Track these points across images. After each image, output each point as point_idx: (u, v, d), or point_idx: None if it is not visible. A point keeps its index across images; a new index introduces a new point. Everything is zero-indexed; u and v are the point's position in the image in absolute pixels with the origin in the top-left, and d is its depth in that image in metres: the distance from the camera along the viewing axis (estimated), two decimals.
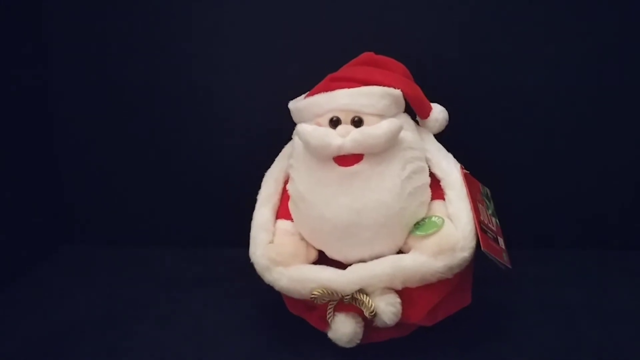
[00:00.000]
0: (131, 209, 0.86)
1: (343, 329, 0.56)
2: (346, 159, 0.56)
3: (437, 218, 0.58)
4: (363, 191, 0.56)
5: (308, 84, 0.66)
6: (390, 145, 0.56)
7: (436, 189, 0.61)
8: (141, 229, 0.87)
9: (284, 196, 0.64)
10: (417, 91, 0.63)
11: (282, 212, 0.63)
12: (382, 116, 0.58)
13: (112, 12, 0.80)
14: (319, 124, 0.59)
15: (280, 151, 0.68)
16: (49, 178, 0.86)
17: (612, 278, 0.72)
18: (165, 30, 0.80)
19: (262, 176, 0.67)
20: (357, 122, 0.58)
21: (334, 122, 0.58)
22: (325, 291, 0.55)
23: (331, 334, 0.57)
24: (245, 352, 0.60)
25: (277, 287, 0.59)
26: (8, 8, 0.77)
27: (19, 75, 0.79)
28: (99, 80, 0.82)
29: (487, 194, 0.65)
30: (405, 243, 0.58)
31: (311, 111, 0.60)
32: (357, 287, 0.55)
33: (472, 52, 0.76)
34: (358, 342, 0.57)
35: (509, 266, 0.59)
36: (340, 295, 0.55)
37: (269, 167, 0.67)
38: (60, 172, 0.86)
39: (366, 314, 0.55)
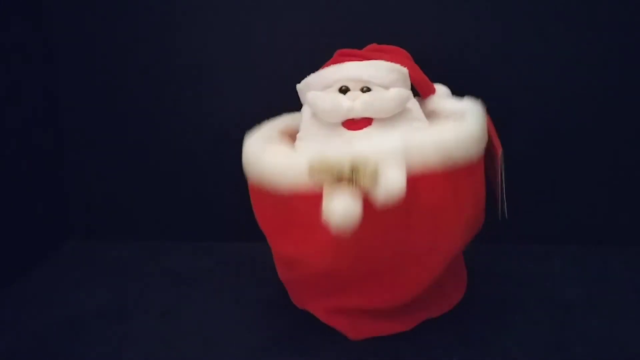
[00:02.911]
0: (135, 204, 0.87)
1: (341, 204, 0.50)
2: (355, 123, 0.56)
3: None
4: None
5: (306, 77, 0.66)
6: (398, 111, 0.57)
7: None
8: (145, 225, 0.87)
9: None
10: (420, 73, 0.64)
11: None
12: (389, 88, 0.58)
13: (113, 13, 0.81)
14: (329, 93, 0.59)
15: None
16: (53, 174, 0.86)
17: (613, 274, 0.72)
18: (165, 30, 0.80)
19: None
20: (366, 92, 0.58)
21: (343, 91, 0.59)
22: (322, 163, 0.51)
23: (326, 211, 0.50)
24: (251, 347, 0.60)
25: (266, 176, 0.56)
26: (12, 9, 0.77)
27: (22, 75, 0.79)
28: (102, 79, 0.83)
29: None
30: None
31: (321, 82, 0.60)
32: (356, 156, 0.51)
33: (474, 51, 0.76)
34: (355, 220, 0.50)
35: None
36: (340, 170, 0.50)
37: None
38: (64, 168, 0.87)
39: (365, 181, 0.50)
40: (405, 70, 0.60)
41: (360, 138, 0.56)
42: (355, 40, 0.69)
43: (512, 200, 0.62)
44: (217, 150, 0.83)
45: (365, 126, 0.56)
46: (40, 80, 0.83)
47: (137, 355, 0.59)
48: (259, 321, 0.65)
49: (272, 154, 0.56)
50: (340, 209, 0.49)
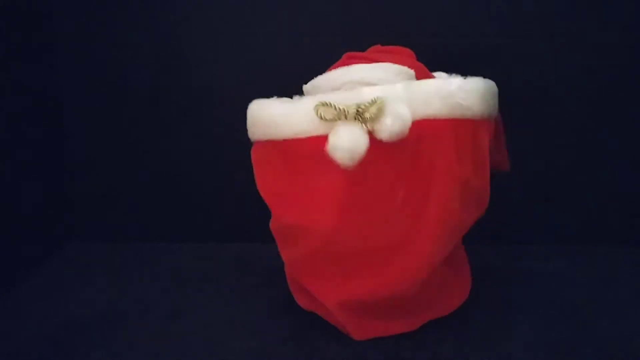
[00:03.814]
0: (137, 205, 0.87)
1: (344, 133, 0.52)
2: None
3: None
4: None
5: (311, 79, 0.65)
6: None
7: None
8: (147, 225, 0.87)
9: None
10: (427, 72, 0.63)
11: None
12: None
13: (115, 12, 0.80)
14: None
15: None
16: (54, 174, 0.86)
17: (618, 273, 0.72)
18: (165, 31, 0.80)
19: None
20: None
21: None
22: (330, 103, 0.53)
23: (332, 143, 0.52)
24: (255, 349, 0.60)
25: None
26: (15, 9, 0.77)
27: (24, 74, 0.79)
28: (104, 79, 0.83)
29: None
30: None
31: (328, 85, 0.60)
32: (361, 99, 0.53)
33: (478, 49, 0.76)
34: (361, 150, 0.52)
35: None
36: (346, 107, 0.52)
37: None
38: (66, 169, 0.87)
39: (371, 115, 0.52)
40: (412, 72, 0.60)
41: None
42: (358, 41, 0.68)
43: (514, 201, 0.62)
44: (220, 150, 0.83)
45: None
46: (42, 81, 0.83)
47: (140, 357, 0.59)
48: (264, 322, 0.65)
49: (277, 103, 0.59)
50: (346, 138, 0.51)
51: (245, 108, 0.80)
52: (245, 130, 0.81)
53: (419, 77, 0.61)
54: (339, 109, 0.52)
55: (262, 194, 0.61)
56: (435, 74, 0.65)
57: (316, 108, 0.53)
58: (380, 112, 0.51)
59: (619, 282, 0.70)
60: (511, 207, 0.66)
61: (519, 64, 0.76)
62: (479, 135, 0.57)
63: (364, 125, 0.52)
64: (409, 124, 0.52)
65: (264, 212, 0.64)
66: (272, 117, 0.58)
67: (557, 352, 0.57)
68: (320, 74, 0.65)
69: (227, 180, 0.83)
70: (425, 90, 0.55)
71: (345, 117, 0.52)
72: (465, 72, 0.75)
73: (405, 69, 0.59)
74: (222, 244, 0.84)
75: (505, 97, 0.76)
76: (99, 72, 0.83)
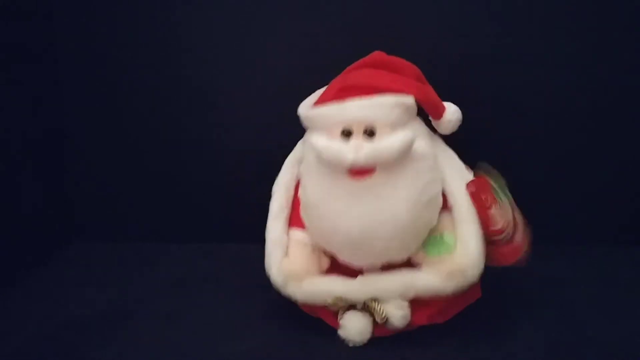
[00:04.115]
0: (137, 205, 0.87)
1: (353, 325, 0.59)
2: (359, 172, 0.56)
3: (448, 237, 0.59)
4: (376, 203, 0.56)
5: (314, 82, 0.66)
6: (403, 158, 0.56)
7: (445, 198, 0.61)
8: (149, 226, 0.87)
9: (296, 203, 0.64)
10: (429, 94, 0.62)
11: (295, 220, 0.64)
12: (394, 126, 0.57)
13: (115, 14, 0.81)
14: (331, 134, 0.58)
15: (283, 147, 0.68)
16: (57, 175, 0.86)
17: (622, 274, 0.72)
18: (166, 31, 0.80)
19: (268, 171, 0.66)
20: (369, 134, 0.57)
21: (346, 134, 0.57)
22: (337, 300, 0.58)
23: (342, 332, 0.59)
24: (255, 349, 0.60)
25: (293, 300, 0.62)
26: (16, 9, 0.77)
27: (24, 76, 0.79)
28: (106, 80, 0.83)
29: (501, 186, 0.63)
30: (416, 254, 0.59)
31: (322, 121, 0.59)
32: (368, 297, 0.58)
33: (481, 50, 0.76)
34: (368, 338, 0.59)
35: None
36: (352, 303, 0.59)
37: (274, 162, 0.67)
38: (68, 169, 0.87)
39: (378, 319, 0.58)
40: (410, 100, 0.59)
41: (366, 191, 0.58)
42: (359, 42, 0.68)
43: (520, 201, 0.61)
44: (221, 151, 0.83)
45: (369, 174, 0.56)
46: (43, 81, 0.83)
47: (141, 357, 0.59)
48: (263, 323, 0.65)
49: (298, 285, 0.61)
50: (355, 329, 0.59)
51: (246, 109, 0.80)
52: (246, 131, 0.81)
53: (419, 98, 0.60)
54: (347, 304, 0.59)
55: None
56: (446, 104, 0.63)
57: (326, 305, 0.59)
58: (382, 316, 0.58)
59: (620, 283, 0.70)
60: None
61: (519, 65, 0.76)
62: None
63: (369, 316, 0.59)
64: (408, 318, 0.59)
65: (264, 213, 0.64)
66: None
67: (558, 352, 0.57)
68: (321, 75, 0.66)
69: (227, 181, 0.83)
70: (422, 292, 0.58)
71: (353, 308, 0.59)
72: (466, 75, 0.75)
73: (401, 100, 0.58)
74: (223, 245, 0.84)
75: (506, 98, 0.77)
76: (100, 72, 0.83)
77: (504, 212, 0.60)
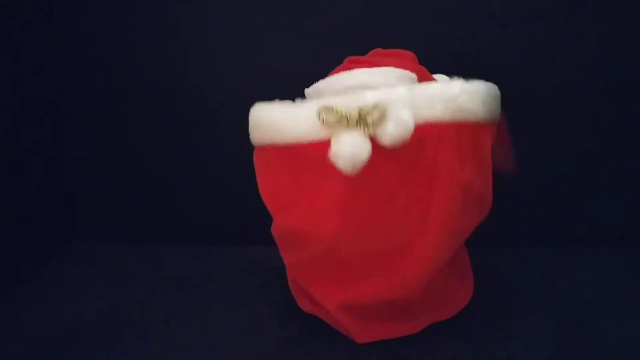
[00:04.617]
0: (138, 207, 0.87)
1: (347, 140, 0.52)
2: None
3: None
4: None
5: (312, 81, 0.65)
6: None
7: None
8: (149, 228, 0.87)
9: None
10: (428, 75, 0.63)
11: None
12: None
13: (116, 15, 0.80)
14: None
15: None
16: (57, 176, 0.86)
17: (621, 275, 0.72)
18: (166, 32, 0.80)
19: None
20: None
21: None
22: (332, 108, 0.53)
23: (334, 150, 0.53)
24: (256, 351, 0.60)
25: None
26: (16, 9, 0.77)
27: (25, 76, 0.79)
28: (106, 81, 0.83)
29: None
30: None
31: (330, 89, 0.60)
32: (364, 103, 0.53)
33: (478, 50, 0.76)
34: (363, 158, 0.52)
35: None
36: (348, 112, 0.53)
37: None
38: (68, 171, 0.87)
39: (373, 120, 0.52)
40: (413, 75, 0.59)
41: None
42: (359, 44, 0.68)
43: (516, 203, 0.62)
44: (222, 153, 0.83)
45: None
46: (43, 82, 0.83)
47: (142, 359, 0.59)
48: (265, 325, 0.64)
49: (279, 107, 0.59)
50: (348, 145, 0.51)
51: (247, 110, 0.79)
52: (247, 132, 0.81)
53: (420, 80, 0.61)
54: (341, 113, 0.53)
55: (263, 198, 0.61)
56: (436, 76, 0.65)
57: (318, 112, 0.53)
58: (382, 117, 0.52)
59: (621, 284, 0.70)
60: (513, 210, 0.66)
61: (519, 66, 0.76)
62: (481, 139, 0.57)
63: (366, 130, 0.52)
64: (411, 129, 0.52)
65: (266, 215, 0.64)
66: (274, 121, 0.58)
67: (560, 355, 0.57)
68: (322, 76, 0.65)
69: (228, 182, 0.83)
70: (428, 94, 0.55)
71: (347, 122, 0.53)
72: (466, 74, 0.75)
73: (406, 72, 0.59)
74: (224, 247, 0.83)
75: (506, 99, 0.77)
76: (101, 73, 0.83)
77: None
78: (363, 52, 0.67)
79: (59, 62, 0.83)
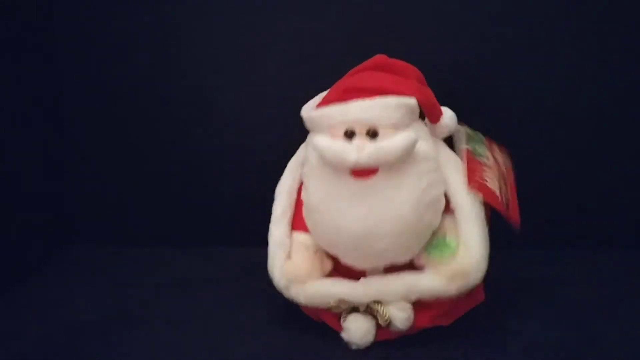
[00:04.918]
0: (139, 208, 0.86)
1: (356, 328, 0.59)
2: (362, 172, 0.56)
3: (450, 239, 0.59)
4: (379, 203, 0.56)
5: (317, 85, 0.65)
6: (406, 158, 0.56)
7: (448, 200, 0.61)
8: (150, 229, 0.87)
9: (298, 206, 0.64)
10: (430, 97, 0.62)
11: (298, 222, 0.64)
12: (397, 127, 0.57)
13: (115, 17, 0.80)
14: (333, 135, 0.58)
15: (286, 150, 0.67)
16: (56, 177, 0.86)
17: (624, 277, 0.72)
18: (167, 33, 0.80)
19: (270, 175, 0.66)
20: (372, 135, 0.56)
21: (349, 135, 0.57)
22: (340, 302, 0.58)
23: (345, 335, 0.59)
24: (257, 353, 0.60)
25: (296, 302, 0.62)
26: (15, 8, 0.77)
27: (24, 77, 0.79)
28: (105, 82, 0.82)
29: (478, 145, 0.66)
30: (418, 256, 0.59)
31: (325, 122, 0.59)
32: (371, 300, 0.58)
33: (482, 53, 0.76)
34: (371, 341, 0.59)
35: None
36: (355, 305, 0.59)
37: (277, 166, 0.67)
38: (67, 172, 0.86)
39: (381, 322, 0.58)
40: (413, 102, 0.58)
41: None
42: (361, 45, 0.68)
43: (521, 204, 0.62)
44: (222, 154, 0.82)
45: (372, 174, 0.56)
46: (43, 83, 0.82)
47: None
48: (267, 327, 0.64)
49: (301, 287, 0.61)
50: (358, 332, 0.59)
51: (248, 112, 0.80)
52: (248, 133, 0.81)
53: (420, 100, 0.60)
54: (350, 306, 0.59)
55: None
56: (443, 109, 0.63)
57: (328, 308, 0.59)
58: (386, 319, 0.58)
59: (622, 286, 0.70)
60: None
61: (519, 69, 0.76)
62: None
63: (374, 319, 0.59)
64: (411, 320, 0.59)
65: (267, 217, 0.64)
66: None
67: (561, 355, 0.57)
68: (323, 77, 0.65)
69: (229, 183, 0.82)
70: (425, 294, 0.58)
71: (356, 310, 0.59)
72: (466, 76, 0.76)
73: (404, 101, 0.58)
74: (225, 248, 0.83)
75: (506, 101, 0.77)
76: (101, 73, 0.82)
77: (495, 182, 0.62)
78: (364, 53, 0.66)
79: (59, 63, 0.83)
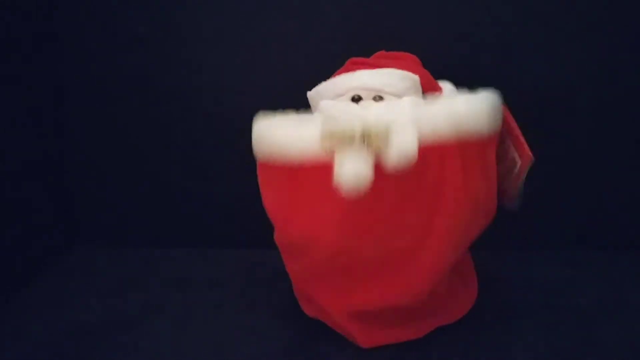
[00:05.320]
0: (141, 210, 0.86)
1: (350, 164, 0.51)
2: None
3: None
4: None
5: (316, 84, 0.65)
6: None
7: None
8: (151, 231, 0.87)
9: None
10: (429, 77, 0.63)
11: None
12: (402, 95, 0.58)
13: (116, 15, 0.80)
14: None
15: None
16: (58, 179, 0.86)
17: (624, 279, 0.72)
18: (169, 34, 0.80)
19: None
20: (378, 101, 0.57)
21: (356, 100, 0.58)
22: (335, 128, 0.52)
23: (337, 174, 0.52)
24: (261, 355, 0.60)
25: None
26: (16, 7, 0.76)
27: (27, 77, 0.79)
28: (107, 83, 0.82)
29: None
30: None
31: (333, 90, 0.60)
32: (368, 122, 0.52)
33: (478, 53, 0.76)
34: (366, 182, 0.51)
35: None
36: (351, 133, 0.51)
37: None
38: (70, 174, 0.86)
39: (376, 143, 0.51)
40: (416, 77, 0.59)
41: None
42: (362, 46, 0.68)
43: (522, 205, 0.62)
44: (225, 155, 0.82)
45: None
46: (44, 85, 0.82)
47: None
48: (269, 329, 0.64)
49: (283, 124, 0.58)
50: (351, 170, 0.50)
51: (251, 113, 0.79)
52: (248, 135, 0.81)
53: (423, 83, 0.61)
54: (345, 137, 0.51)
55: (266, 209, 0.61)
56: (440, 82, 0.64)
57: (322, 136, 0.52)
58: (386, 140, 0.51)
59: (624, 288, 0.70)
60: (515, 214, 0.65)
61: (521, 66, 0.76)
62: (486, 152, 0.57)
63: (369, 151, 0.51)
64: (415, 156, 0.51)
65: (269, 219, 0.64)
66: (276, 140, 0.57)
67: (561, 357, 0.58)
68: (324, 77, 0.65)
69: (231, 185, 0.82)
70: (433, 114, 0.53)
71: (350, 142, 0.51)
72: (468, 75, 0.75)
73: (409, 74, 0.59)
74: (228, 250, 0.83)
75: (508, 101, 0.76)
76: (104, 77, 0.82)
77: None
78: (366, 54, 0.67)
79: (60, 63, 0.82)
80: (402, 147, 0.50)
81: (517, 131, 0.62)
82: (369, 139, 0.51)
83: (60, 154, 0.85)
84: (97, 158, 0.85)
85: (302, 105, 0.65)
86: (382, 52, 0.66)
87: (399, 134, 0.51)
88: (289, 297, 0.66)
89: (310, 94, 0.63)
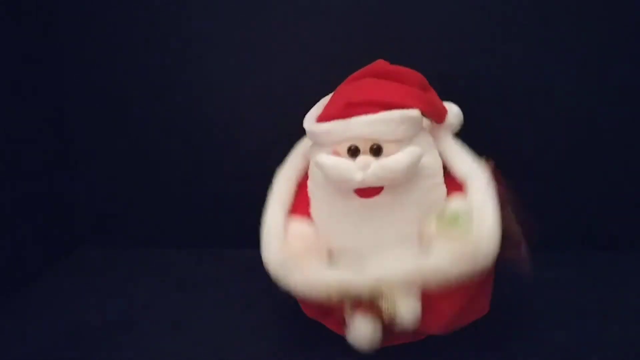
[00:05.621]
0: (142, 210, 0.86)
1: (363, 330, 0.56)
2: (367, 191, 0.55)
3: (461, 209, 0.56)
4: (384, 222, 0.56)
5: (316, 86, 0.65)
6: (411, 176, 0.55)
7: (452, 184, 0.59)
8: (152, 232, 0.87)
9: (300, 191, 0.63)
10: (434, 102, 0.61)
11: (298, 207, 0.62)
12: (400, 141, 0.56)
13: (117, 17, 0.80)
14: (337, 152, 0.57)
15: (287, 152, 0.67)
16: (60, 180, 0.86)
17: (626, 280, 0.72)
18: (169, 35, 0.80)
19: (271, 176, 0.65)
20: (376, 150, 0.56)
21: (353, 151, 0.56)
22: (341, 290, 0.55)
23: (350, 336, 0.57)
24: (261, 355, 0.60)
25: (293, 292, 0.59)
26: (18, 10, 0.76)
27: (28, 80, 0.79)
28: (109, 85, 0.82)
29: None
30: (428, 225, 0.57)
31: (328, 138, 0.58)
32: (374, 283, 0.54)
33: (478, 56, 0.76)
34: (377, 344, 0.57)
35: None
36: (357, 295, 0.55)
37: (277, 166, 0.66)
38: (72, 175, 0.86)
39: (385, 317, 0.56)
40: (416, 114, 0.57)
41: (374, 262, 0.57)
42: (362, 46, 0.68)
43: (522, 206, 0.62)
44: (225, 156, 0.82)
45: (377, 193, 0.55)
46: (46, 86, 0.82)
47: None
48: (269, 329, 0.65)
49: (298, 272, 0.57)
50: (363, 334, 0.56)
51: (251, 114, 0.80)
52: (250, 135, 0.81)
53: (426, 109, 0.59)
54: (352, 298, 0.55)
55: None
56: (446, 104, 0.63)
57: (331, 295, 0.55)
58: (392, 309, 0.55)
59: (627, 289, 0.70)
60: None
61: (520, 70, 0.76)
62: (484, 283, 0.59)
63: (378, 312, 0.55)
64: (418, 319, 0.55)
65: None
66: (294, 284, 0.58)
67: (561, 358, 0.58)
68: (324, 79, 0.65)
69: (232, 185, 0.82)
70: (434, 268, 0.54)
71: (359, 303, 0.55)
72: (468, 78, 0.75)
73: (408, 114, 0.56)
74: (228, 250, 0.83)
75: (507, 102, 0.77)
76: (106, 79, 0.82)
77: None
78: (366, 56, 0.65)
79: (61, 65, 0.83)
80: (405, 318, 0.55)
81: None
82: (375, 303, 0.55)
83: (60, 154, 0.85)
84: (97, 158, 0.86)
85: (302, 105, 0.65)
86: (383, 65, 0.63)
87: (401, 303, 0.55)
88: (288, 297, 0.66)
89: (306, 129, 0.61)
